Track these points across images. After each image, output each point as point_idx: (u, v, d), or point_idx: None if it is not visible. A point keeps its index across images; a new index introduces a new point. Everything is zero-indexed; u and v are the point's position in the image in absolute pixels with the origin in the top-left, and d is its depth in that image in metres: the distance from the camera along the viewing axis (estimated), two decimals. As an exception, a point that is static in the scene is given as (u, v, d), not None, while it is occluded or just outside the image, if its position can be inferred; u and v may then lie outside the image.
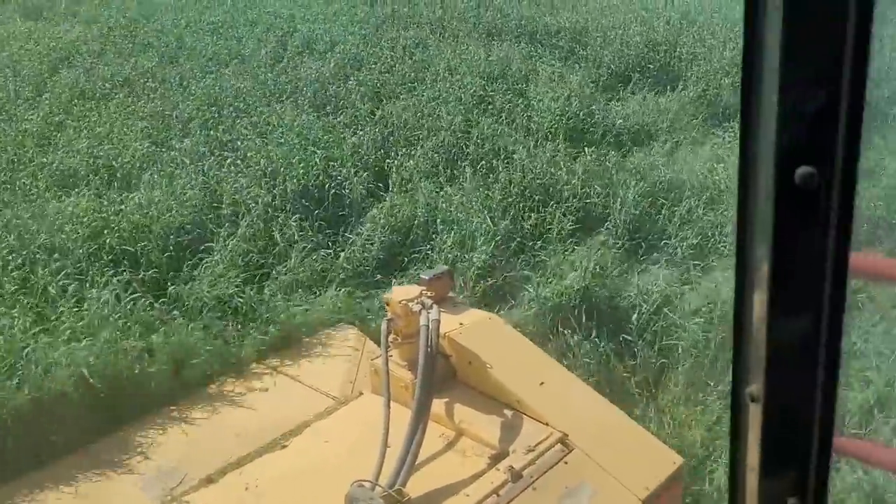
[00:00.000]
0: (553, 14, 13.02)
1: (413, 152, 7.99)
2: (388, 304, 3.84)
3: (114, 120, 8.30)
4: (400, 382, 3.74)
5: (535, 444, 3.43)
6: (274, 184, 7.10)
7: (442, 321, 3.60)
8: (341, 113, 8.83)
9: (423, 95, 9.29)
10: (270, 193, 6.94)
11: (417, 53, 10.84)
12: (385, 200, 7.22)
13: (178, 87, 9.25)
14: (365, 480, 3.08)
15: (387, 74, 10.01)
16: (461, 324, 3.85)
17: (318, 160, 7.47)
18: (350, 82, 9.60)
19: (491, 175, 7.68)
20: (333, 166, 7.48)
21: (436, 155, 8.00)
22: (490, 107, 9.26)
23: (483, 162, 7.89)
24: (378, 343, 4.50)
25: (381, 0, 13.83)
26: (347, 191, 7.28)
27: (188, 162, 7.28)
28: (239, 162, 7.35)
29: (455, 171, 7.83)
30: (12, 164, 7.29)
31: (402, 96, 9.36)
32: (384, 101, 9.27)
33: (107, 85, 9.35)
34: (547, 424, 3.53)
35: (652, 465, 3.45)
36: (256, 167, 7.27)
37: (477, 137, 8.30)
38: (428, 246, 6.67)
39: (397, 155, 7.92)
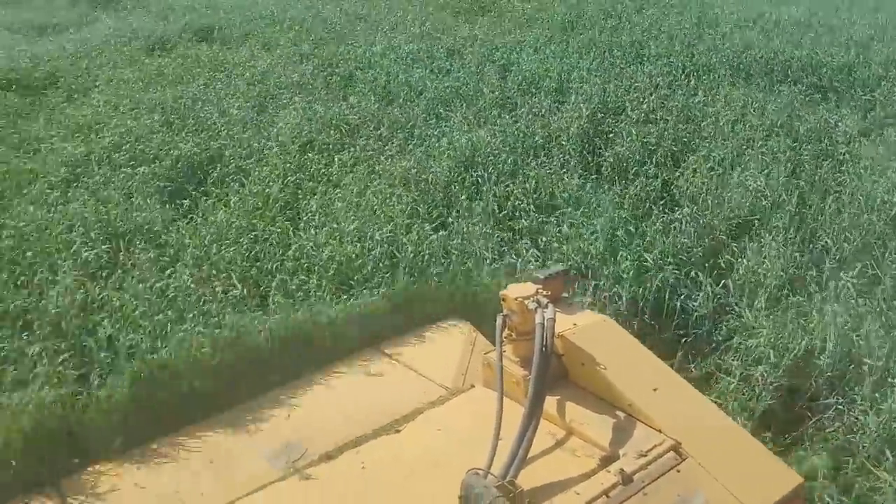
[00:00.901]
0: (798, 47, 12.03)
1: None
2: (503, 301, 3.84)
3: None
4: (512, 378, 3.76)
5: (647, 450, 3.35)
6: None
7: (556, 320, 3.58)
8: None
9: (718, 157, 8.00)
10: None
11: (677, 97, 9.65)
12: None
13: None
14: (479, 469, 3.15)
15: (651, 125, 8.74)
16: (575, 324, 3.83)
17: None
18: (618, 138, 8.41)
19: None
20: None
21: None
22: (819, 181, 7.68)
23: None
24: (489, 338, 4.66)
25: (576, 26, 13.33)
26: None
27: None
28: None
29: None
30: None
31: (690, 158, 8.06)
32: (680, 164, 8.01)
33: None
34: (660, 431, 3.46)
35: (770, 482, 3.33)
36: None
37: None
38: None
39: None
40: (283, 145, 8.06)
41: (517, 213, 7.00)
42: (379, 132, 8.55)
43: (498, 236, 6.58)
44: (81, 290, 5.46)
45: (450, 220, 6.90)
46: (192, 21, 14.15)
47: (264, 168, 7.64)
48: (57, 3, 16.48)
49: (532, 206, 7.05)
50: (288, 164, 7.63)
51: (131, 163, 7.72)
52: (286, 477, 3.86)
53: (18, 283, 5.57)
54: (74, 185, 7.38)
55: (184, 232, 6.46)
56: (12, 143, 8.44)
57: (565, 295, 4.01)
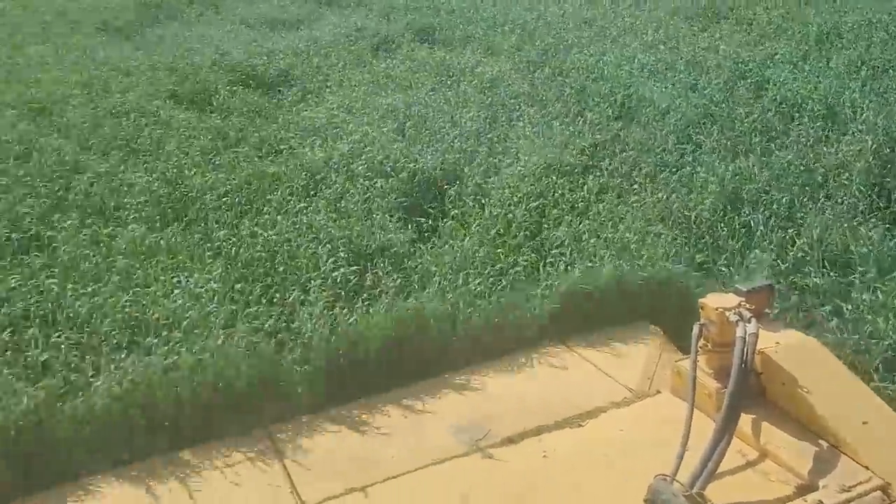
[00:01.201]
0: None
1: None
2: (702, 309, 3.79)
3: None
4: (704, 389, 3.70)
5: (850, 485, 3.19)
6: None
7: (759, 336, 3.51)
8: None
9: None
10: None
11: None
12: None
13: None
14: (666, 475, 3.14)
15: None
16: (778, 342, 3.73)
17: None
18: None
19: None
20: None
21: None
22: None
23: None
24: (678, 345, 4.71)
25: (834, 38, 11.70)
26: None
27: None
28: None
29: None
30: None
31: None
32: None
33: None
34: (867, 468, 3.29)
35: None
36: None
37: None
38: None
39: None
40: (523, 164, 7.48)
41: (803, 268, 5.95)
42: (623, 155, 7.75)
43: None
44: (331, 313, 5.21)
45: (720, 268, 6.00)
46: (413, 21, 14.05)
47: (504, 190, 7.10)
48: (286, -1, 17.14)
49: (822, 261, 5.97)
50: (531, 187, 7.04)
51: (368, 173, 7.49)
52: (469, 453, 4.09)
53: (273, 300, 5.41)
54: (314, 193, 7.25)
55: (429, 258, 6.07)
56: (254, 143, 8.53)
57: (768, 311, 3.87)
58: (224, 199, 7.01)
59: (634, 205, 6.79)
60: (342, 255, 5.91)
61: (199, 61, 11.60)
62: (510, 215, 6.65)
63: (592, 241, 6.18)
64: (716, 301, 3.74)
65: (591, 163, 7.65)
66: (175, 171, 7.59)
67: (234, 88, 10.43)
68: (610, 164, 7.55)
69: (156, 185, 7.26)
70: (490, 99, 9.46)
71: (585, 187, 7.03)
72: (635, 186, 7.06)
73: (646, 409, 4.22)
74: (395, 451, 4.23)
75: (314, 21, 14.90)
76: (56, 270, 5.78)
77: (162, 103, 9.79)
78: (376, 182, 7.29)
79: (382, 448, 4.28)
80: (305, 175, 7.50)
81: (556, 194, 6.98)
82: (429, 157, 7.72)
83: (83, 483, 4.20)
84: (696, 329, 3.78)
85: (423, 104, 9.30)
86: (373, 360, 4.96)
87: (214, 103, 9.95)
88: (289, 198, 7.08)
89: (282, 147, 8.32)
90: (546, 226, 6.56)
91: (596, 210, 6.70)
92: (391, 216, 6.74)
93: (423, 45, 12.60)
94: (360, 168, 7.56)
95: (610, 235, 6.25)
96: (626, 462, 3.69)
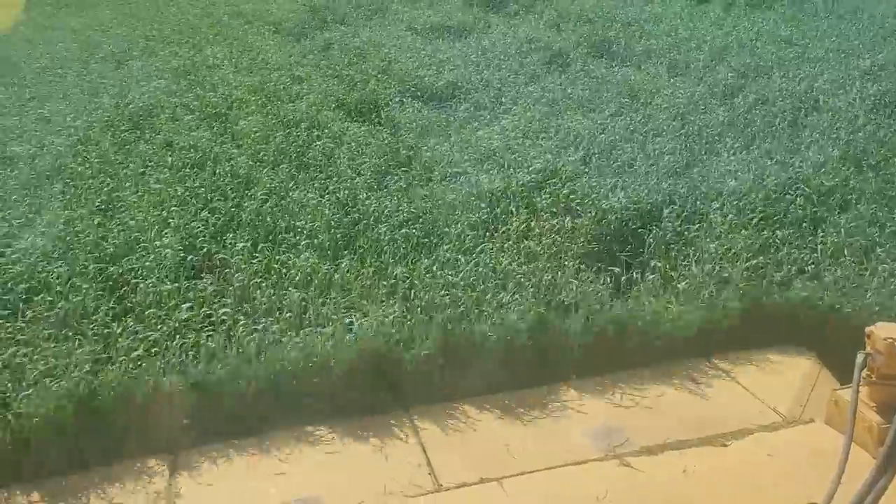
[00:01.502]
0: None
1: None
2: (869, 338, 3.66)
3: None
4: (864, 422, 3.61)
5: None
6: None
7: None
8: None
9: None
10: None
11: None
12: None
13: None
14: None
15: None
16: None
17: None
18: None
19: None
20: None
21: None
22: None
23: None
24: (835, 374, 4.54)
25: None
26: None
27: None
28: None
29: None
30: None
31: None
32: None
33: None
34: None
35: None
36: None
37: None
38: None
39: None
40: (738, 210, 6.47)
41: None
42: (859, 208, 6.53)
43: None
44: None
45: None
46: (587, 33, 13.14)
47: (713, 241, 6.12)
48: (452, 4, 16.69)
49: None
50: (748, 241, 6.03)
51: (553, 209, 6.73)
52: (606, 459, 4.06)
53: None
54: (493, 228, 6.59)
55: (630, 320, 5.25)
56: (425, 162, 8.01)
57: None
58: (400, 229, 6.48)
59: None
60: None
61: (367, 69, 11.30)
62: (725, 274, 5.69)
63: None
64: (885, 331, 3.59)
65: (817, 213, 6.50)
66: (347, 192, 7.17)
67: (403, 100, 10.01)
68: (843, 218, 6.37)
69: (328, 208, 6.85)
70: (684, 127, 8.45)
71: (819, 247, 5.92)
72: (881, 252, 5.87)
73: (797, 436, 4.07)
74: (531, 446, 4.33)
75: (481, 29, 14.33)
76: (229, 301, 5.43)
77: (331, 113, 9.51)
78: (563, 220, 6.53)
79: (519, 443, 4.40)
80: (484, 206, 6.85)
81: (780, 253, 5.92)
82: (620, 194, 6.86)
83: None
84: (859, 358, 3.63)
85: (607, 130, 8.44)
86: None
87: (383, 115, 9.55)
88: (467, 232, 6.45)
89: (455, 170, 7.73)
90: (771, 292, 5.55)
91: (832, 277, 5.61)
92: (582, 264, 5.95)
93: (599, 61, 11.70)
94: (543, 202, 6.82)
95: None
96: (771, 488, 3.59)
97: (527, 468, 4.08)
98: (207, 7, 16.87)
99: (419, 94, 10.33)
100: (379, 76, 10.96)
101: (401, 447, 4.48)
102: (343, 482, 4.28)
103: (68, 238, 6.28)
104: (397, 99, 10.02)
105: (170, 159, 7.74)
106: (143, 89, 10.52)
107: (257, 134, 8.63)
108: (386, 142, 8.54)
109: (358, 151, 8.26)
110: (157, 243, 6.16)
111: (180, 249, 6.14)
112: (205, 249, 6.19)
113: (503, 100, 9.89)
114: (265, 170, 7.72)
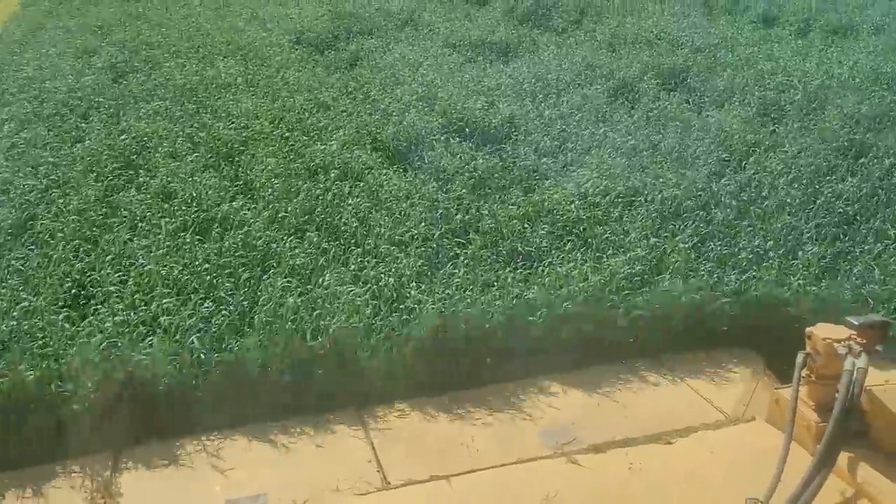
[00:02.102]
0: None
1: None
2: (809, 338, 3.74)
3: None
4: (803, 421, 3.70)
5: None
6: None
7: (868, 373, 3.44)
8: None
9: None
10: None
11: None
12: None
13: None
14: (757, 499, 3.18)
15: None
16: (887, 381, 3.70)
17: None
18: None
19: None
20: None
21: None
22: None
23: None
24: (776, 372, 4.75)
25: None
26: None
27: None
28: None
29: None
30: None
31: None
32: None
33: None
34: None
35: None
36: None
37: None
38: None
39: None
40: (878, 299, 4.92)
41: None
42: None
43: None
44: None
45: None
46: (651, 60, 11.42)
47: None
48: (492, 16, 15.03)
49: None
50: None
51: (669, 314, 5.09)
52: (554, 457, 4.14)
53: None
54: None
55: None
56: (488, 232, 6.36)
57: (879, 348, 3.79)
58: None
59: None
60: None
61: (404, 95, 9.65)
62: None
63: None
64: (825, 331, 3.69)
65: None
66: (391, 281, 5.50)
67: (450, 138, 8.36)
68: None
69: (369, 305, 5.19)
70: (814, 198, 6.76)
71: None
72: None
73: (739, 434, 4.18)
74: (481, 444, 4.33)
75: (528, 49, 12.64)
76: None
77: (365, 156, 7.85)
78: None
79: (470, 440, 4.39)
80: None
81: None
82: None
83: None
84: (799, 358, 3.73)
85: (713, 197, 6.77)
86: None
87: (426, 160, 7.88)
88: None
89: (528, 249, 6.07)
90: None
91: None
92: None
93: (672, 95, 10.02)
94: (657, 309, 5.17)
95: None
96: (714, 484, 3.69)
97: (476, 466, 4.13)
98: (221, 9, 15.23)
99: (468, 131, 8.66)
100: (418, 105, 9.32)
101: (350, 444, 4.42)
102: (290, 479, 4.16)
103: (19, 342, 4.64)
104: (442, 137, 8.37)
105: (163, 223, 6.08)
106: (140, 112, 8.90)
107: (275, 182, 6.99)
108: (434, 200, 6.89)
109: (400, 214, 6.61)
110: (138, 356, 4.53)
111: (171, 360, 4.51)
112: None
113: (570, 144, 8.22)
114: (286, 239, 6.06)
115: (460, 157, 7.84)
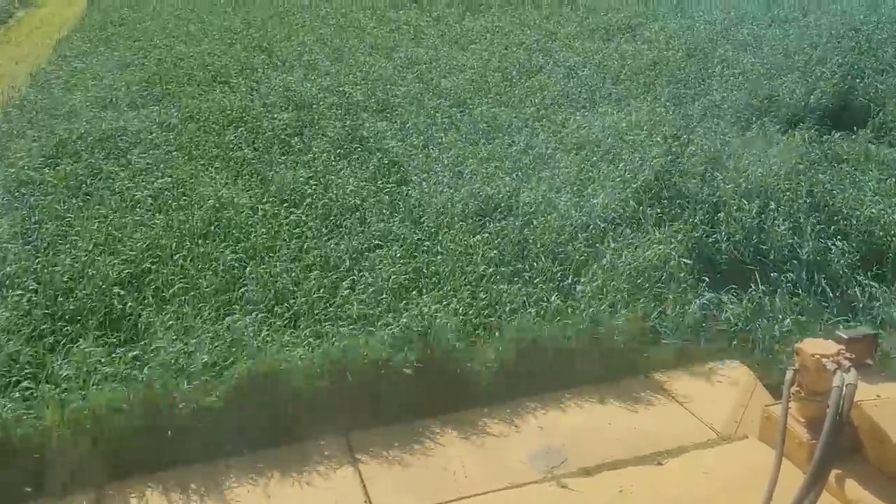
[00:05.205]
0: None
1: None
2: (797, 354, 3.69)
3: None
4: (794, 438, 3.65)
5: None
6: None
7: (858, 388, 3.41)
8: None
9: None
10: None
11: None
12: None
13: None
14: None
15: None
16: (878, 396, 3.60)
17: None
18: None
19: None
20: None
21: None
22: None
23: None
24: (769, 388, 4.74)
25: None
26: None
27: None
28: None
29: None
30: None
31: None
32: None
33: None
34: None
35: None
36: None
37: None
38: None
39: None
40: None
41: None
42: None
43: None
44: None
45: None
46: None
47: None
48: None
49: None
50: None
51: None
52: (544, 481, 4.09)
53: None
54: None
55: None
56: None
57: (869, 362, 3.74)
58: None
59: None
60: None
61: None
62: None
63: None
64: (813, 347, 3.59)
65: None
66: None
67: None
68: None
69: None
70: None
71: None
72: None
73: (731, 453, 4.09)
74: (471, 470, 4.26)
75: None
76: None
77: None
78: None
79: (459, 467, 4.33)
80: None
81: None
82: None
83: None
84: (788, 374, 3.66)
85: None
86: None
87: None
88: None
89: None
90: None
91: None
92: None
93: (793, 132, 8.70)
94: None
95: None
96: None
97: (465, 492, 4.05)
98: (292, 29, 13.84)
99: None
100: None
101: (337, 473, 4.34)
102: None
103: None
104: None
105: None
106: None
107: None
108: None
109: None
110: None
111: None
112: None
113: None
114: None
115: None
